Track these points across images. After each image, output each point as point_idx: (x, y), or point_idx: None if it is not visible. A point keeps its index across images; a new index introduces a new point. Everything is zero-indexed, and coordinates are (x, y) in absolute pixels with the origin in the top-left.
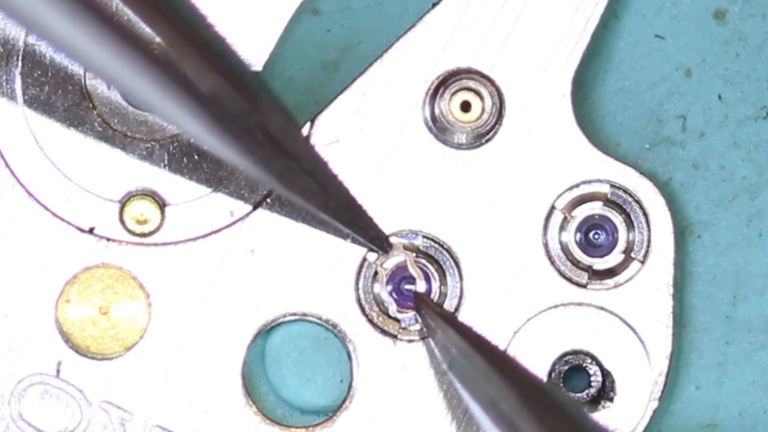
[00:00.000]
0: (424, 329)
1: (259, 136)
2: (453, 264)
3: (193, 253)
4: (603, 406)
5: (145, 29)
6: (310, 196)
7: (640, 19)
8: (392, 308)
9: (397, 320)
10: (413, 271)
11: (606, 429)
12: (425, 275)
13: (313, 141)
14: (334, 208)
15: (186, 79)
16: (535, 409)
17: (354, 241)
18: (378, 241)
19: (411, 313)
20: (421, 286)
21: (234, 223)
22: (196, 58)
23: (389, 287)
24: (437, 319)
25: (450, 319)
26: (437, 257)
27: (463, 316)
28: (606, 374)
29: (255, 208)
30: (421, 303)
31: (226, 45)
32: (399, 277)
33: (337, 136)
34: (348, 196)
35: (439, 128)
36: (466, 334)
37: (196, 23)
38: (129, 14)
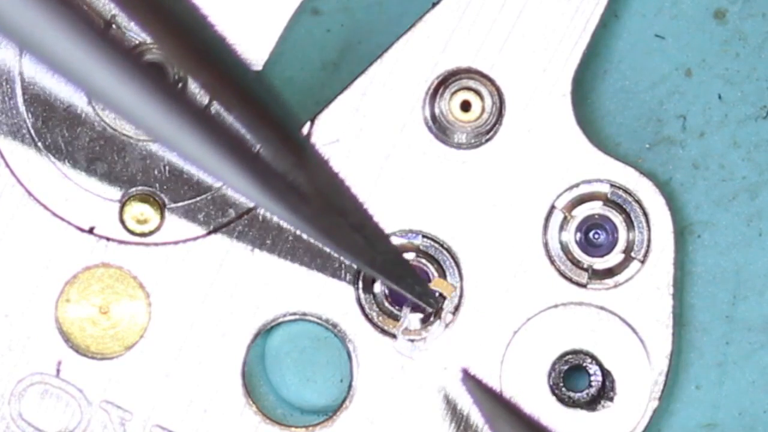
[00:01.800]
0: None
1: (305, 192)
2: (453, 264)
3: (193, 253)
4: (603, 406)
5: (206, 96)
6: (357, 252)
7: (640, 19)
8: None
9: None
10: (445, 318)
11: None
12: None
13: (313, 141)
14: (380, 263)
15: (232, 133)
16: None
17: (400, 295)
18: (425, 297)
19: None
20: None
21: (234, 223)
22: (243, 113)
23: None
24: (485, 394)
25: (495, 395)
26: (437, 257)
27: (463, 316)
28: (606, 374)
29: (255, 207)
30: (466, 379)
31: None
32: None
33: (337, 136)
34: (394, 251)
35: (439, 128)
36: (515, 412)
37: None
38: (192, 84)
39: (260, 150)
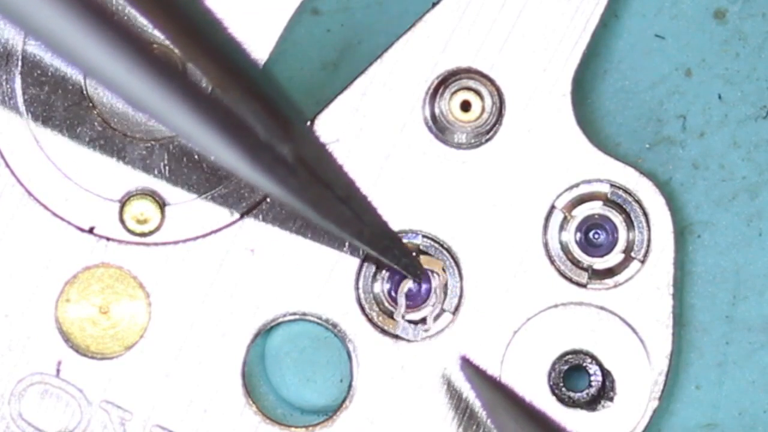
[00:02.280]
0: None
1: (292, 164)
2: (453, 264)
3: (193, 253)
4: (603, 406)
5: (184, 59)
6: (344, 223)
7: (640, 19)
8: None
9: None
10: (436, 293)
11: None
12: (425, 275)
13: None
14: (368, 235)
15: (219, 105)
16: None
17: (388, 268)
18: (411, 269)
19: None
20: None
21: (234, 223)
22: (230, 85)
23: (388, 286)
24: (482, 380)
25: (495, 382)
26: (437, 257)
27: (463, 316)
28: (606, 374)
29: (255, 207)
30: (465, 366)
31: (255, 66)
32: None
33: (337, 136)
34: (381, 223)
35: (439, 128)
36: (515, 399)
37: (225, 44)
38: (161, 41)
39: (247, 122)
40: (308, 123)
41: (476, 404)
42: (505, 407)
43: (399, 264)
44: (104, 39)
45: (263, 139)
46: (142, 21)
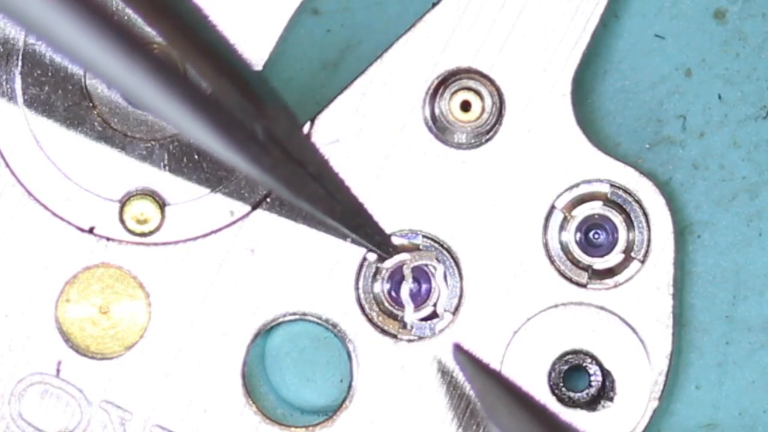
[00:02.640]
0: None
1: (264, 141)
2: (453, 264)
3: (193, 253)
4: (603, 406)
5: (147, 29)
6: (317, 201)
7: (640, 19)
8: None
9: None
10: (441, 284)
11: None
12: (425, 275)
13: (313, 141)
14: (340, 212)
15: (190, 82)
16: None
17: (358, 244)
18: (383, 246)
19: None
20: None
21: (234, 223)
22: (199, 61)
23: (388, 285)
24: (475, 368)
25: (488, 369)
26: (437, 257)
27: (463, 316)
28: (606, 374)
29: (255, 208)
30: (458, 353)
31: (229, 47)
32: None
33: (337, 136)
34: (354, 201)
35: (439, 128)
36: (504, 383)
37: (198, 24)
38: (130, 14)
39: (220, 99)
40: (308, 123)
41: (476, 404)
42: (497, 393)
43: (371, 241)
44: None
45: (235, 116)
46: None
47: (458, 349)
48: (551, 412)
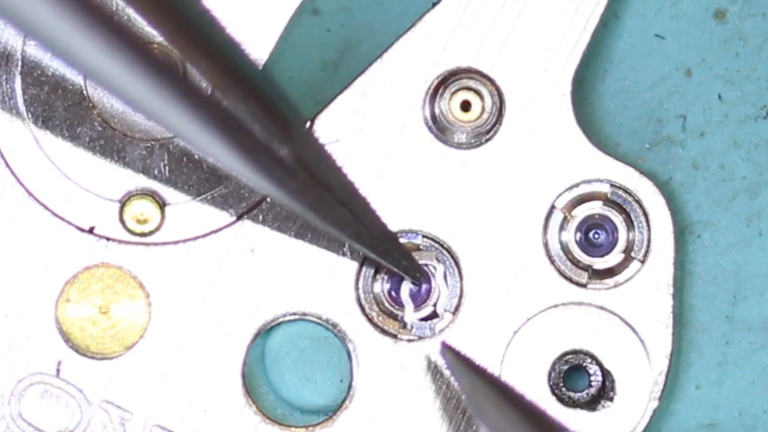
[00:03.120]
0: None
1: (291, 165)
2: (453, 264)
3: (193, 253)
4: (603, 406)
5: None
6: (344, 226)
7: (640, 19)
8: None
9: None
10: (441, 284)
11: None
12: (425, 275)
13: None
14: (367, 238)
15: (218, 107)
16: None
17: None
18: (412, 272)
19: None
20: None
21: (234, 223)
22: (230, 87)
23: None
24: (462, 366)
25: (475, 367)
26: (437, 257)
27: (463, 316)
28: (606, 374)
29: (255, 207)
30: (445, 351)
31: (255, 68)
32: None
33: (337, 136)
34: (381, 226)
35: (439, 128)
36: (494, 383)
37: (224, 44)
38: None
39: (247, 123)
40: (308, 123)
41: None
42: (486, 392)
43: (398, 266)
44: (103, 39)
45: (262, 140)
46: (142, 21)
47: (446, 347)
48: (541, 410)
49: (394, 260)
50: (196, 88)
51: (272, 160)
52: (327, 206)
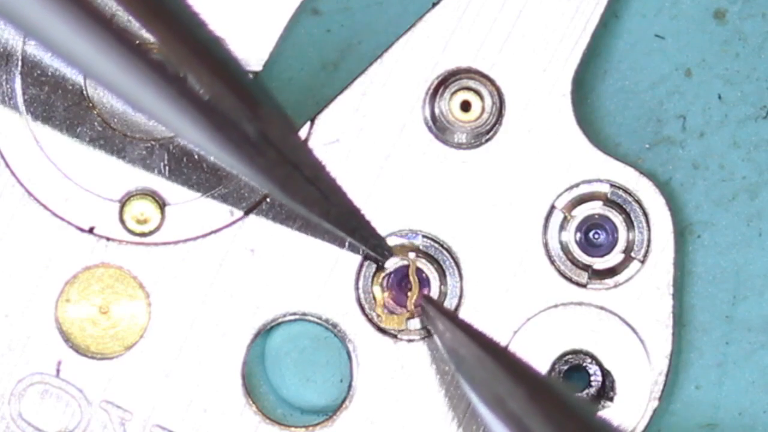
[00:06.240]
0: (429, 329)
1: (259, 143)
2: (453, 264)
3: (193, 253)
4: (603, 406)
5: (143, 33)
6: (312, 204)
7: (640, 19)
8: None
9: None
10: (412, 278)
11: (613, 425)
12: (425, 281)
13: (313, 141)
14: (335, 216)
15: (185, 84)
16: (544, 407)
17: (354, 248)
18: (379, 249)
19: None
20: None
21: (234, 223)
22: (195, 64)
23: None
24: (444, 319)
25: (456, 320)
26: (437, 257)
27: (463, 316)
28: (606, 374)
29: (255, 207)
30: (427, 304)
31: (224, 50)
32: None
33: (337, 136)
34: (349, 204)
35: (439, 128)
36: (473, 334)
37: (193, 27)
38: (126, 17)
39: (214, 101)
40: (308, 123)
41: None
42: (467, 344)
43: (366, 244)
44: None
45: (229, 117)
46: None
47: (428, 300)
48: (524, 362)
49: (362, 238)
50: (163, 65)
51: (239, 136)
52: (295, 184)
